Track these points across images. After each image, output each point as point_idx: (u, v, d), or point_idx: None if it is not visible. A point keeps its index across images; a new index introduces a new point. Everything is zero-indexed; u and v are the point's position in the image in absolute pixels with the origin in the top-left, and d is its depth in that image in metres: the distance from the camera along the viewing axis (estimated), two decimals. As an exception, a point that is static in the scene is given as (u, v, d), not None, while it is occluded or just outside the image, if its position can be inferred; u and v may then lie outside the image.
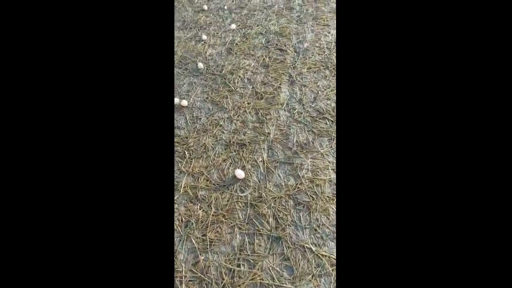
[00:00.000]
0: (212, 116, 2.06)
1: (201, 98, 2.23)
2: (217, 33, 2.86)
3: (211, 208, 1.53)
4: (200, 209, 1.54)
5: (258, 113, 2.02)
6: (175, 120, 2.08)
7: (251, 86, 2.23)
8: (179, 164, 1.78)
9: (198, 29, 2.96)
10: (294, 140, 1.82)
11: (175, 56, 2.69)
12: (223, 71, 2.40)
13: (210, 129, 1.97)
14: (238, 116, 2.02)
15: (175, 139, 1.94)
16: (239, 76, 2.33)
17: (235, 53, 2.57)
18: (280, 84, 2.24)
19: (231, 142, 1.85)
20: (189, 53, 2.69)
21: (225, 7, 3.22)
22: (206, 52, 2.65)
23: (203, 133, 1.95)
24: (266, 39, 2.72)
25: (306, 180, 1.57)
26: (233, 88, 2.23)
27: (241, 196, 1.57)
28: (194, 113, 2.12)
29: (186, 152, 1.84)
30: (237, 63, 2.46)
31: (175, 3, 3.48)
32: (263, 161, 1.71)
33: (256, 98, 2.13)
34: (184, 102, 2.17)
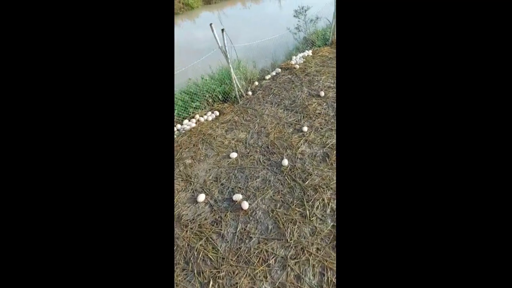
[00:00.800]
0: (266, 243, 1.58)
1: (266, 207, 1.81)
2: (321, 128, 2.47)
3: None
4: None
5: (324, 274, 1.41)
6: (224, 225, 1.72)
7: (331, 223, 1.65)
8: (194, 299, 1.37)
9: (303, 117, 2.67)
10: None
11: (266, 138, 2.46)
12: (307, 182, 1.94)
13: (254, 263, 1.49)
14: (296, 263, 1.46)
15: (211, 254, 1.57)
16: (322, 200, 1.80)
17: (332, 163, 2.07)
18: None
19: (268, 306, 1.30)
20: (281, 141, 2.39)
21: (344, 99, 2.85)
22: (298, 148, 2.28)
23: (243, 264, 1.49)
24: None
25: None
26: (307, 214, 1.71)
27: None
28: (249, 225, 1.71)
29: (211, 283, 1.41)
30: (328, 178, 1.95)
31: (292, 77, 3.40)
32: None
33: (332, 247, 1.52)
34: (245, 205, 1.81)
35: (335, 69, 3.52)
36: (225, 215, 1.79)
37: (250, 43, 3.73)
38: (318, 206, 1.76)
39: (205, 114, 2.90)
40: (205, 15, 8.18)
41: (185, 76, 3.13)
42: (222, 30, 2.59)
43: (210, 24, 2.51)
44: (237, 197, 1.87)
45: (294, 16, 4.71)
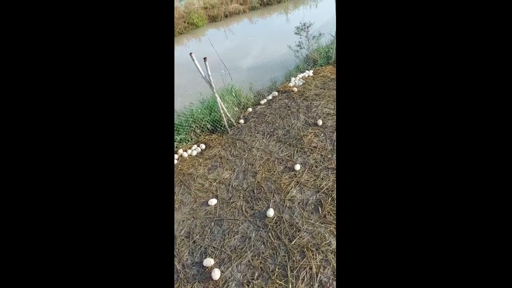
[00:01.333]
0: (235, 332, 1.26)
1: (242, 276, 1.49)
2: (316, 166, 2.14)
3: None
4: None
5: None
6: (188, 301, 1.42)
7: (319, 306, 1.30)
8: None
9: (297, 151, 2.35)
10: None
11: (253, 179, 2.16)
12: (294, 241, 1.60)
13: None
14: None
15: None
16: (310, 269, 1.45)
17: (325, 215, 1.72)
18: None
19: None
20: (268, 183, 2.08)
21: (345, 128, 2.50)
22: (288, 192, 1.95)
23: None
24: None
25: None
26: (290, 291, 1.37)
27: None
28: (217, 302, 1.39)
29: None
30: (319, 236, 1.60)
31: (288, 102, 3.10)
32: None
33: None
34: (217, 274, 1.50)
35: (335, 92, 3.19)
36: (192, 287, 1.48)
37: (248, 66, 3.51)
38: (304, 277, 1.42)
39: (190, 148, 2.65)
40: (211, 33, 8.16)
41: (177, 100, 2.93)
42: (204, 58, 2.38)
43: (190, 54, 2.29)
44: (209, 262, 1.57)
45: (296, 33, 4.46)
